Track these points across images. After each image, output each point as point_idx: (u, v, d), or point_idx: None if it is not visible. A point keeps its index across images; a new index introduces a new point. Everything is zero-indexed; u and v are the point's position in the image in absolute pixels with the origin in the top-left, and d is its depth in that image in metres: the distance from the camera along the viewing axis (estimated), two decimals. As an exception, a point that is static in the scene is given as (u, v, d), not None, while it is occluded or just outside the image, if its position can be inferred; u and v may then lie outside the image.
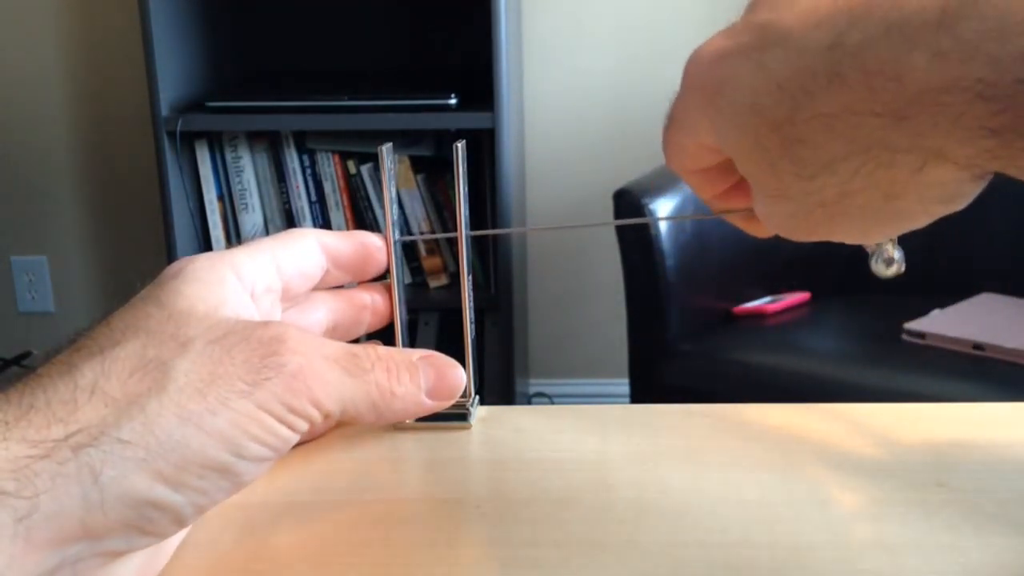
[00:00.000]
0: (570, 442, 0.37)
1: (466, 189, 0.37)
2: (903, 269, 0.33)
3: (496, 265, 1.57)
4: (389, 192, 0.37)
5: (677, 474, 0.34)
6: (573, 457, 0.36)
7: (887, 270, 0.33)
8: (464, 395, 0.39)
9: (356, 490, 0.34)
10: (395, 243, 0.37)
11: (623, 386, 1.45)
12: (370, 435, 0.38)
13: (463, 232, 0.37)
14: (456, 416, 0.38)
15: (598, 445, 0.37)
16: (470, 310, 0.38)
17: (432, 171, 1.64)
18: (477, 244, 1.63)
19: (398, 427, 0.38)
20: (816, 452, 0.36)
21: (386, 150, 0.36)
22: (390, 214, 0.37)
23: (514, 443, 0.37)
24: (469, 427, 0.38)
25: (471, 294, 0.38)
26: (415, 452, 0.37)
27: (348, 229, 1.70)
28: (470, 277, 0.38)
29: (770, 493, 0.33)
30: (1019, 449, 0.36)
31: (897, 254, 0.33)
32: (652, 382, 1.32)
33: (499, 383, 1.64)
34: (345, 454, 0.37)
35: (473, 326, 0.38)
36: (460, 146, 0.36)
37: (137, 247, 1.89)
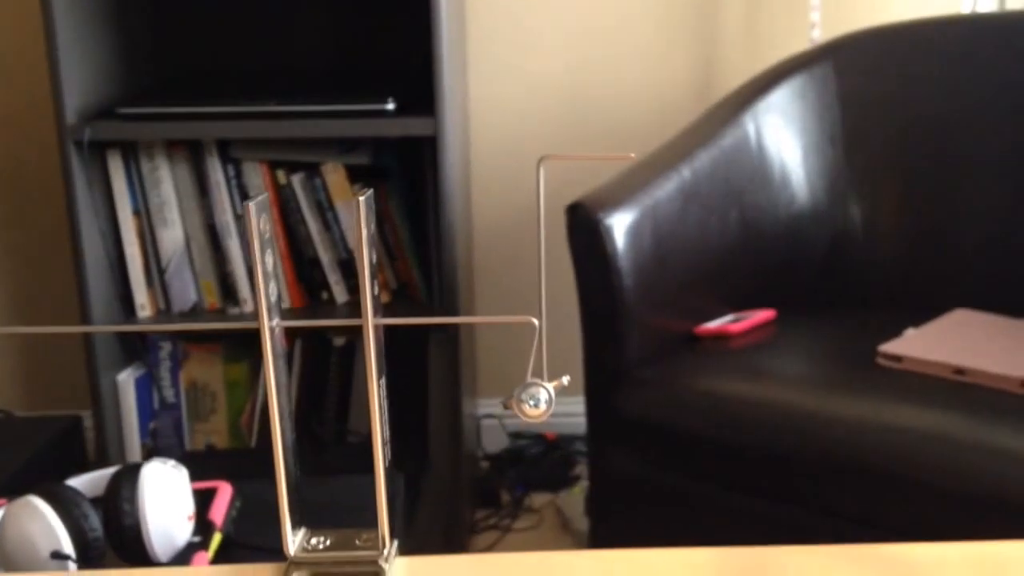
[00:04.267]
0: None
1: (372, 254, 0.26)
2: (549, 411, 0.30)
3: (441, 281, 1.47)
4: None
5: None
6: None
7: (532, 411, 0.30)
8: (375, 547, 0.28)
9: None
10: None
11: (578, 405, 1.36)
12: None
13: (368, 320, 0.26)
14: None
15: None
16: (383, 430, 0.27)
17: (370, 181, 1.52)
18: (421, 258, 1.52)
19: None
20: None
21: (364, 201, 0.27)
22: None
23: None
24: (383, 590, 0.27)
25: (384, 399, 0.28)
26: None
27: (278, 245, 1.57)
28: (381, 382, 0.27)
29: None
30: None
31: (544, 395, 0.30)
32: (609, 411, 1.22)
33: (446, 406, 1.54)
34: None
35: (385, 462, 0.27)
36: (363, 200, 0.25)
37: (44, 268, 1.74)
